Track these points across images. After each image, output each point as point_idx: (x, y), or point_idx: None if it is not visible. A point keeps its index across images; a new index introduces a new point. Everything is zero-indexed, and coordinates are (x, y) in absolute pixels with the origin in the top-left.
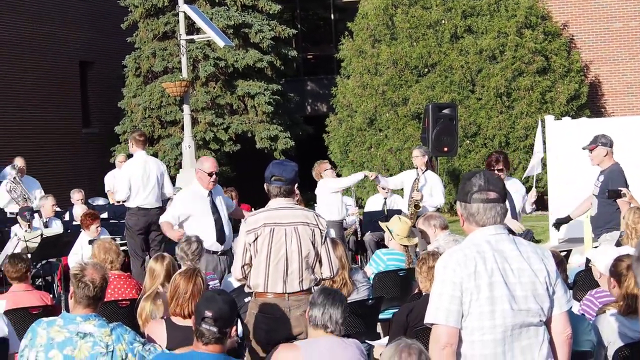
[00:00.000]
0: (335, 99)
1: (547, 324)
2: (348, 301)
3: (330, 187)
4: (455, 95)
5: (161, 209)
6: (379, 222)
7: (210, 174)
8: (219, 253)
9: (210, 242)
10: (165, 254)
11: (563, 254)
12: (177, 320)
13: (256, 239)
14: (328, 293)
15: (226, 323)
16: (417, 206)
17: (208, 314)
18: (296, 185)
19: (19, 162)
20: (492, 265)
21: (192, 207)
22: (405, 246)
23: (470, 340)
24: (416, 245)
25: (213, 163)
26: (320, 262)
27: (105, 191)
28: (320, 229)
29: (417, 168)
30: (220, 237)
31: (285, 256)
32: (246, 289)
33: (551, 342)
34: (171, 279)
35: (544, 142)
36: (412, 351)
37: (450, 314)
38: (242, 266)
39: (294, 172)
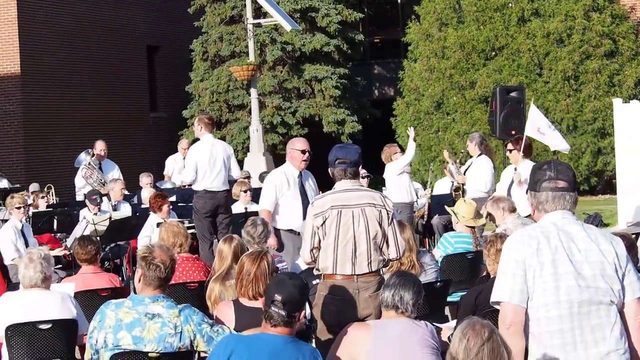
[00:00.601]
0: (402, 82)
1: (620, 310)
2: None
3: (397, 168)
4: (523, 79)
5: (229, 192)
6: (445, 206)
7: (303, 152)
8: (298, 233)
9: (298, 223)
10: (234, 235)
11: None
12: (245, 302)
13: (324, 222)
14: (400, 275)
15: (295, 307)
16: (457, 189)
17: (277, 297)
18: (360, 167)
19: (99, 145)
20: (556, 243)
21: (284, 187)
22: (472, 228)
23: (536, 318)
24: (484, 225)
25: (305, 142)
26: (387, 243)
27: (164, 174)
28: (386, 210)
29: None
30: None
31: (353, 238)
32: (315, 272)
33: (625, 327)
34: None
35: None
36: (484, 329)
37: (513, 293)
38: (311, 250)
39: (357, 154)
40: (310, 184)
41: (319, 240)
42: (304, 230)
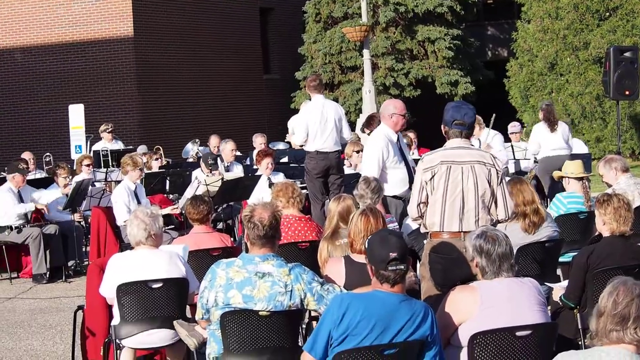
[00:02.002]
0: (515, 43)
1: None
2: (537, 235)
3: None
4: (637, 39)
5: (341, 153)
6: (553, 174)
7: (403, 115)
8: (403, 199)
9: (403, 189)
10: (345, 194)
11: None
12: (356, 257)
13: (433, 176)
14: (484, 238)
15: (407, 257)
16: None
17: (392, 255)
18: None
19: (213, 141)
20: None
21: (391, 154)
22: (584, 186)
23: None
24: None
25: (404, 104)
26: (495, 203)
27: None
28: (496, 169)
29: None
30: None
31: (462, 194)
32: (422, 229)
33: None
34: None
35: None
36: (636, 286)
37: None
38: (418, 204)
39: (474, 117)
40: (405, 145)
41: (427, 196)
42: (413, 185)
